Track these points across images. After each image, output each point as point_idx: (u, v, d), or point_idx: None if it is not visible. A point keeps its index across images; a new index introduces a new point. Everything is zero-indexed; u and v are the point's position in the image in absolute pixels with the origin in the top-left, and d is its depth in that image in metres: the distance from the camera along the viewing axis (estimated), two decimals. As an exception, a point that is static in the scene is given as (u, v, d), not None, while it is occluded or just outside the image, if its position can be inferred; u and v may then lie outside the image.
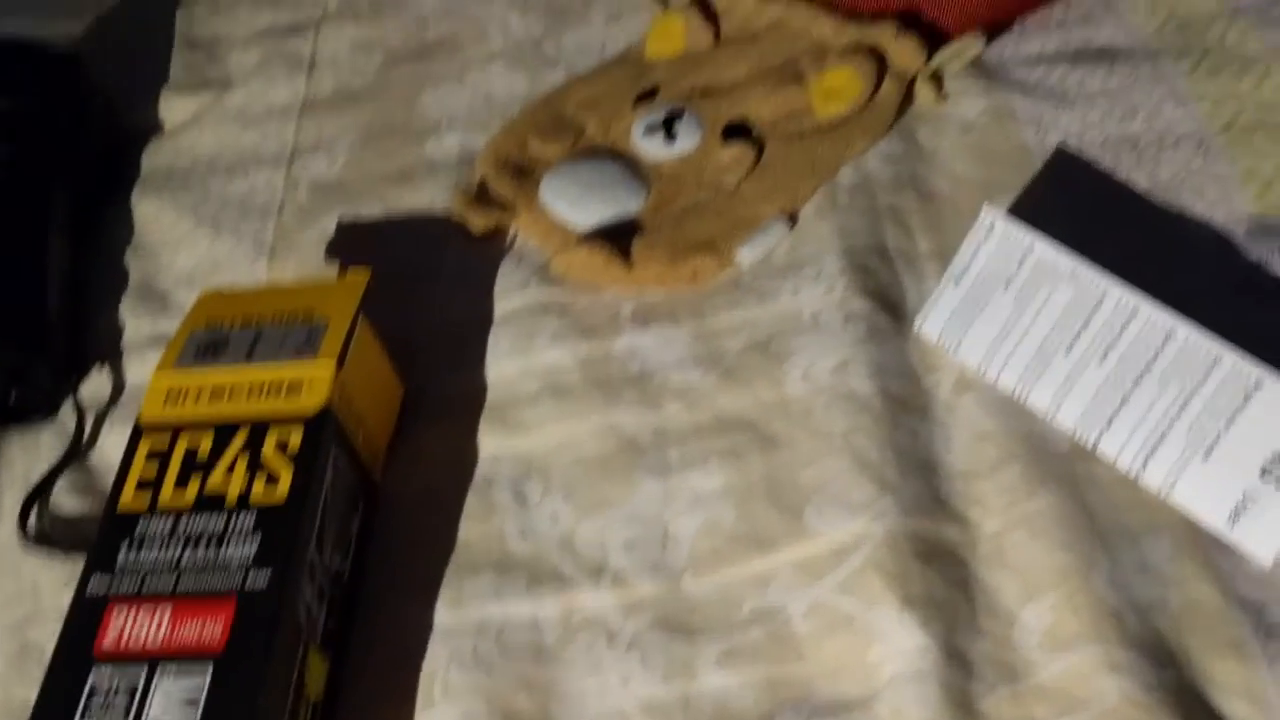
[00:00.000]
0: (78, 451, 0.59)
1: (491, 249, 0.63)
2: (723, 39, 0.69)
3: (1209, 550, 0.45)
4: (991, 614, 0.45)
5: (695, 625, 0.47)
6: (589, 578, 0.49)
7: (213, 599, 0.44)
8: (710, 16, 0.70)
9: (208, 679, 0.42)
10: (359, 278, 0.55)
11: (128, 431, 0.59)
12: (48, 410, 0.61)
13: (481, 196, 0.64)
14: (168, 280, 0.67)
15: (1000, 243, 0.51)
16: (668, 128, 0.64)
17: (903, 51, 0.63)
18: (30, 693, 0.49)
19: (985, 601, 0.45)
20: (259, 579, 0.45)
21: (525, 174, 0.64)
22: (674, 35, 0.69)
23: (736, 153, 0.62)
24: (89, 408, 0.61)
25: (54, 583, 0.54)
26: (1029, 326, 0.50)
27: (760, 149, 0.62)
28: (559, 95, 0.69)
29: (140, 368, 0.62)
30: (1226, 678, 0.42)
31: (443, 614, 0.50)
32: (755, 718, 0.44)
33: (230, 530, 0.46)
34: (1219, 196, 0.56)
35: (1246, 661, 0.42)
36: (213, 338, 0.53)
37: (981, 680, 0.43)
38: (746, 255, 0.58)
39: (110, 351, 0.64)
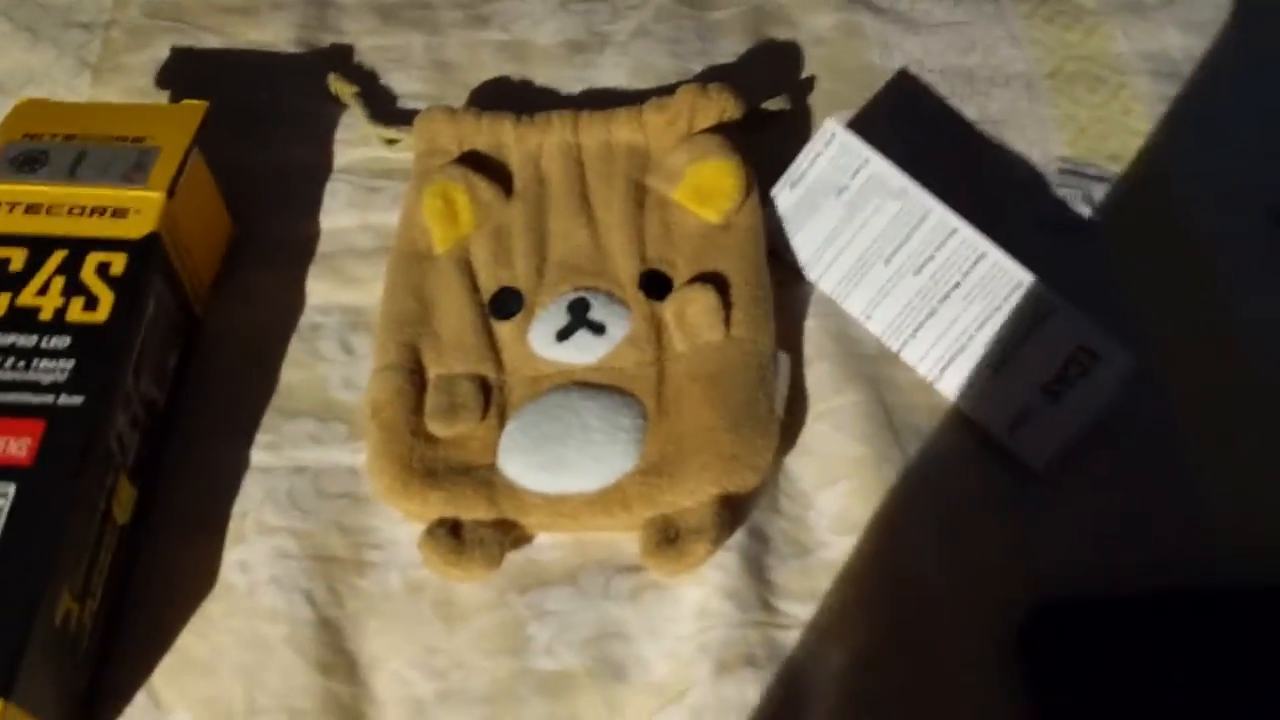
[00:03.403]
0: None
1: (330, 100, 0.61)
2: (515, 192, 0.55)
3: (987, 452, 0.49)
4: (790, 497, 0.48)
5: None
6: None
7: (20, 417, 0.43)
8: (484, 170, 0.54)
9: (12, 493, 0.41)
10: (195, 107, 0.52)
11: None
12: None
13: (445, 537, 0.45)
14: (-25, 84, 0.62)
15: (838, 153, 0.53)
16: (584, 322, 0.51)
17: (720, 102, 0.55)
18: None
19: (786, 485, 0.48)
20: (72, 399, 0.43)
21: (457, 472, 0.47)
22: (460, 209, 0.53)
23: (705, 300, 0.49)
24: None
25: None
26: (854, 235, 0.53)
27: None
28: (400, 361, 0.49)
29: (-60, 174, 0.58)
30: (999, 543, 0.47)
31: (259, 455, 0.49)
32: (561, 572, 0.47)
33: (42, 348, 0.44)
34: (1038, 136, 0.60)
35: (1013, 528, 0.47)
36: (30, 150, 0.50)
37: (776, 554, 0.46)
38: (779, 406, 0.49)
39: (-95, 153, 0.59)
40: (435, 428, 0.48)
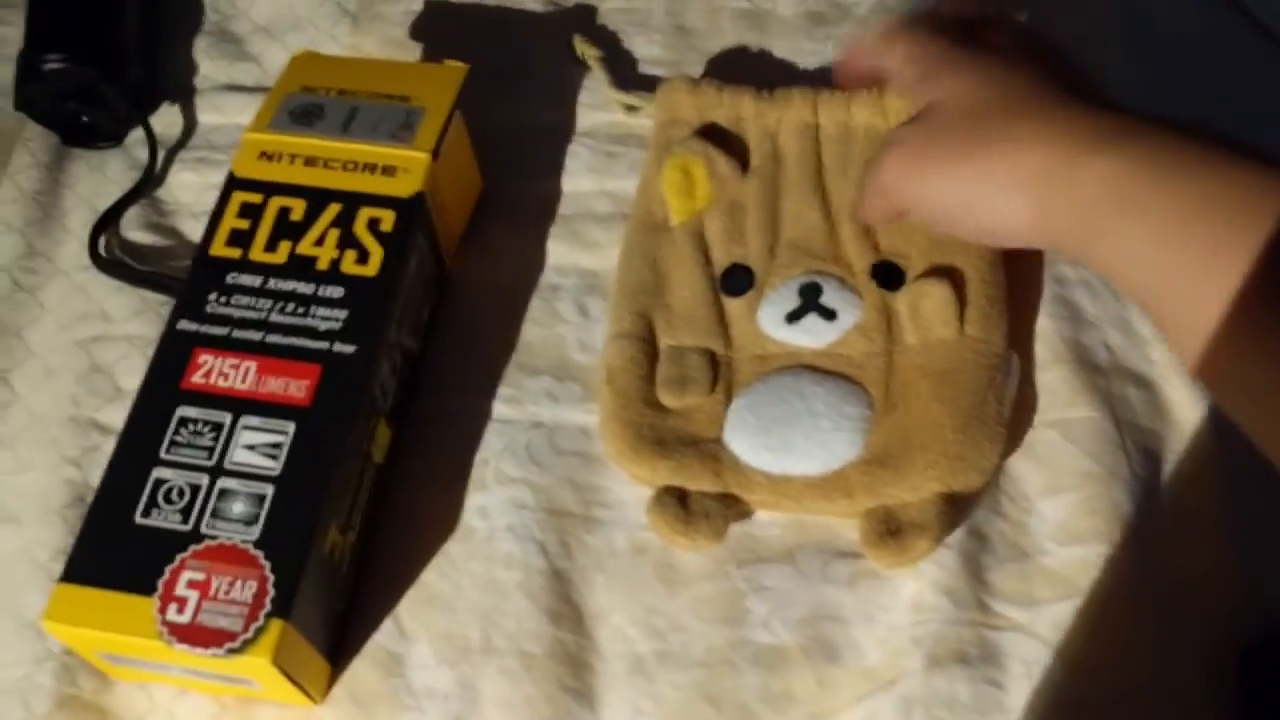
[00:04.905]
0: (149, 183, 0.60)
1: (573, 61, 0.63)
2: (751, 168, 0.55)
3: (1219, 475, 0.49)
4: (1012, 499, 0.49)
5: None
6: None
7: (299, 360, 0.46)
8: (722, 144, 0.55)
9: (292, 429, 0.45)
10: (458, 69, 0.55)
11: (198, 173, 0.60)
12: (116, 137, 0.61)
13: (673, 505, 0.48)
14: (244, 27, 0.66)
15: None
16: (815, 306, 0.51)
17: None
18: (101, 410, 0.53)
19: (1008, 487, 0.49)
20: (345, 347, 0.47)
21: (685, 443, 0.49)
22: (698, 182, 0.54)
23: (942, 294, 0.50)
24: (159, 143, 0.61)
25: (123, 309, 0.55)
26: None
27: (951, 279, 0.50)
28: (634, 330, 0.52)
29: (213, 112, 0.62)
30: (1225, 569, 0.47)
31: (500, 407, 0.52)
32: (779, 550, 0.48)
33: (319, 296, 0.48)
34: None
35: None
36: (307, 104, 0.53)
37: (994, 555, 0.47)
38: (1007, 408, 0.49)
39: (182, 91, 0.63)
40: (665, 398, 0.50)
